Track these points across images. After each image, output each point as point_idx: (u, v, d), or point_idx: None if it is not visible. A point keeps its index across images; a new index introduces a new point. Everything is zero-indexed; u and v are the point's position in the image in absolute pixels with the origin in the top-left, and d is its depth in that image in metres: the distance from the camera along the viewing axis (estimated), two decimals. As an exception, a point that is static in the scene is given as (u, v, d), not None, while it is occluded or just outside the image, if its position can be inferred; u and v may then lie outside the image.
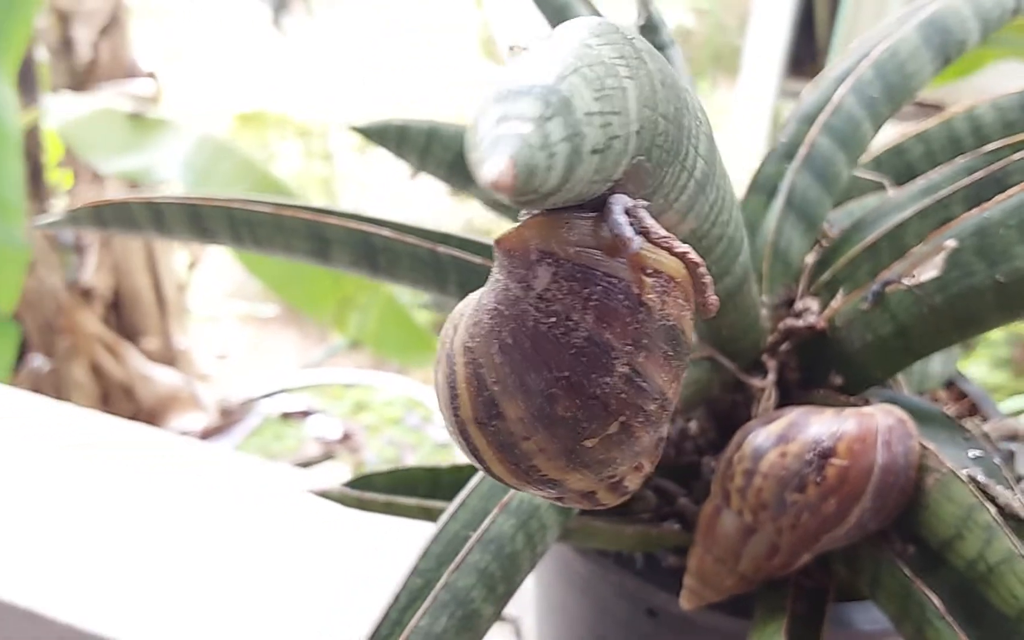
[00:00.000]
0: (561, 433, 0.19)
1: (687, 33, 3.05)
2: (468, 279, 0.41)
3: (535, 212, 0.18)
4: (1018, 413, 0.71)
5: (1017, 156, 0.37)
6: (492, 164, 0.13)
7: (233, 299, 2.63)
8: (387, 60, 2.97)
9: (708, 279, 0.19)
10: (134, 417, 2.06)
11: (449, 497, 0.35)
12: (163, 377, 2.18)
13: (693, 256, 0.18)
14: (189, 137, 1.71)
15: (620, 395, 0.18)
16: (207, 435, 2.10)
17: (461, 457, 0.22)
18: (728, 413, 0.40)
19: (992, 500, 0.32)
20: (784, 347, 0.39)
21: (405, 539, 0.60)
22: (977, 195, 0.36)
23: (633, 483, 0.23)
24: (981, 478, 0.33)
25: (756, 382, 0.39)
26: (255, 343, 2.57)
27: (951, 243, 0.33)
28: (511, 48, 0.16)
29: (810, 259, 0.43)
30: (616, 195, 0.18)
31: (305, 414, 2.19)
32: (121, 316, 2.20)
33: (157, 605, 0.59)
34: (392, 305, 1.58)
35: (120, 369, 2.14)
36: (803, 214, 0.41)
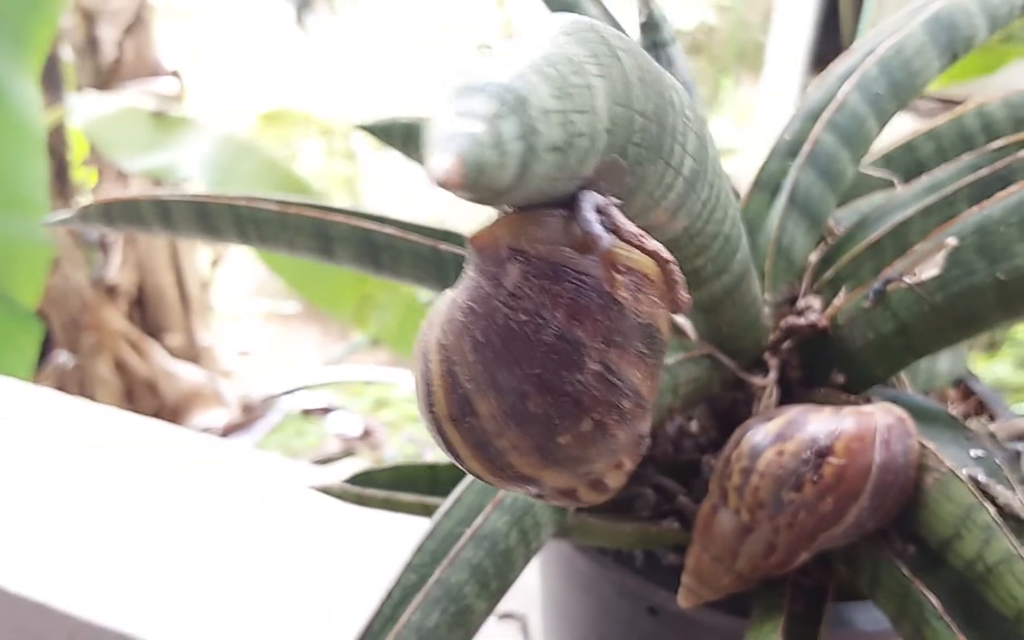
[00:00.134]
0: (534, 430, 0.19)
1: (710, 30, 3.04)
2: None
3: (508, 210, 0.18)
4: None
5: (1023, 153, 0.37)
6: (439, 161, 0.13)
7: (256, 296, 2.65)
8: (410, 59, 2.98)
9: (680, 277, 0.19)
10: (157, 413, 2.08)
11: (448, 494, 0.35)
12: (186, 373, 2.20)
13: (664, 253, 0.18)
14: (212, 136, 1.72)
15: (593, 392, 0.18)
16: (229, 431, 2.11)
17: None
18: (729, 411, 0.40)
19: (992, 500, 0.32)
20: (786, 345, 0.39)
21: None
22: (982, 192, 0.36)
23: (614, 481, 0.23)
24: (982, 478, 0.33)
25: (757, 380, 0.39)
26: (277, 340, 2.58)
27: (952, 241, 0.33)
28: (479, 47, 0.16)
29: (814, 257, 0.42)
30: (586, 192, 0.18)
31: (326, 411, 2.20)
32: (145, 313, 2.22)
33: (176, 601, 0.59)
34: (412, 303, 1.59)
35: (144, 365, 2.16)
36: (806, 211, 0.41)
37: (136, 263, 2.15)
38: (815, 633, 0.35)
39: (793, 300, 0.41)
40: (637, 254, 0.19)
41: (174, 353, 2.22)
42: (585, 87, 0.16)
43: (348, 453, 2.08)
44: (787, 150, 0.42)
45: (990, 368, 1.74)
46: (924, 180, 0.41)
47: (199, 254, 2.30)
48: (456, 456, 0.20)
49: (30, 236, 1.45)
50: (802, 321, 0.38)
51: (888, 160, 0.48)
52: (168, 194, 0.46)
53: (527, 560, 0.33)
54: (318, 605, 0.59)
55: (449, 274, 0.41)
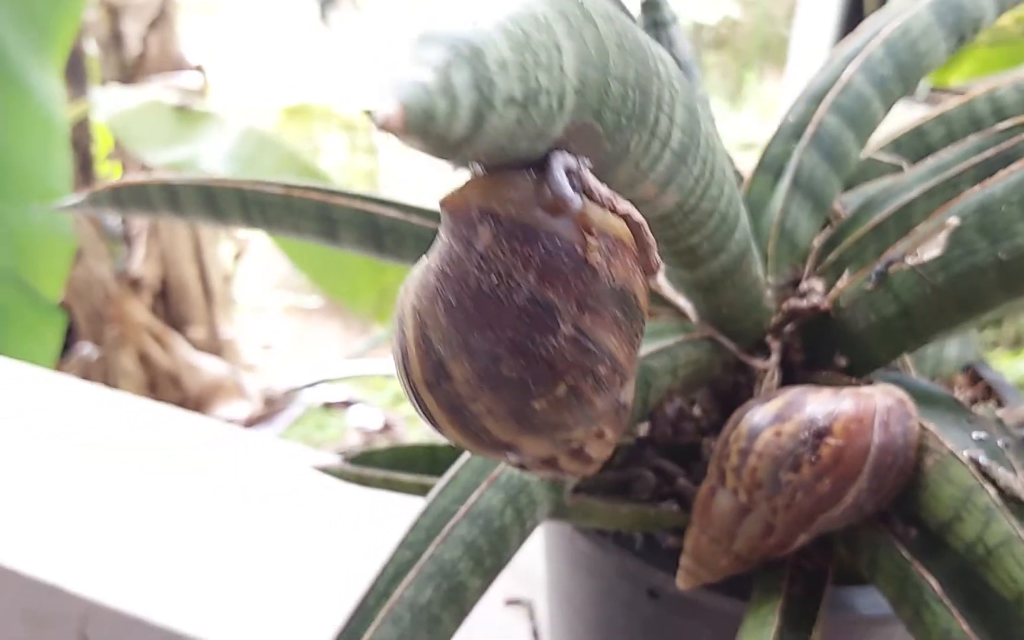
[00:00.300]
0: (507, 394, 0.19)
1: (734, 24, 3.02)
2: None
3: (479, 171, 0.18)
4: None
5: (1029, 133, 0.37)
6: (383, 105, 0.13)
7: (278, 290, 2.67)
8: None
9: (651, 240, 0.19)
10: (180, 405, 2.10)
11: (447, 474, 0.35)
12: (209, 366, 2.21)
13: (636, 215, 0.18)
14: (234, 129, 1.73)
15: (566, 356, 0.18)
16: (251, 423, 2.13)
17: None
18: (731, 394, 0.40)
19: (993, 482, 0.31)
20: (788, 328, 0.39)
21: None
22: (987, 173, 0.35)
23: (597, 452, 0.23)
24: (983, 460, 0.32)
25: (758, 363, 0.38)
26: (299, 334, 2.60)
27: (954, 221, 0.33)
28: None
29: (819, 240, 0.42)
30: (557, 154, 0.18)
31: (347, 404, 2.21)
32: (168, 306, 2.24)
33: (190, 586, 0.60)
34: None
35: (167, 358, 2.18)
36: (810, 194, 0.41)
37: (159, 256, 2.17)
38: (814, 615, 0.34)
39: (796, 283, 0.40)
40: (611, 217, 0.18)
41: (197, 346, 2.24)
42: (551, 45, 0.16)
43: (368, 446, 2.09)
44: (791, 132, 0.42)
45: (1015, 365, 1.72)
46: (930, 162, 0.40)
47: (222, 247, 2.31)
48: (433, 422, 0.20)
49: (53, 228, 1.47)
50: (804, 304, 0.38)
51: (898, 145, 0.48)
52: (175, 178, 0.46)
53: (523, 538, 0.33)
54: (337, 592, 0.59)
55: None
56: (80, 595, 0.58)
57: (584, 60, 0.17)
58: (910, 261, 0.34)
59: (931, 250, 0.34)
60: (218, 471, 0.70)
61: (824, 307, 0.38)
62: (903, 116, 0.49)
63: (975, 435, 0.34)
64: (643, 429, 0.39)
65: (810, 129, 0.40)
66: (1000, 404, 0.45)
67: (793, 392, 0.35)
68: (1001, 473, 0.32)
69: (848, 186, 0.47)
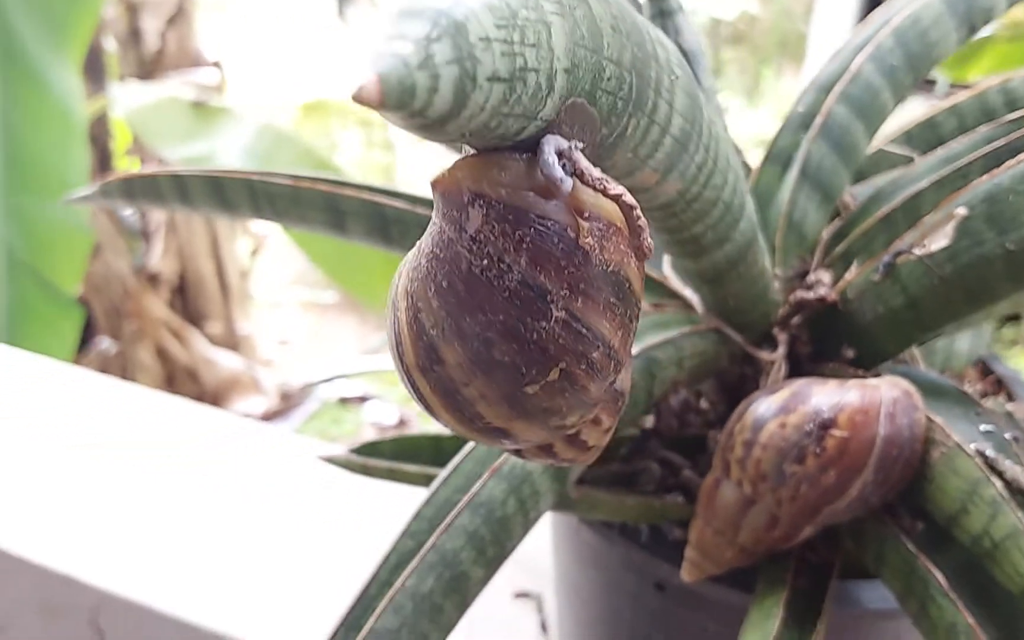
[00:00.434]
0: (500, 378, 0.19)
1: (752, 19, 3.01)
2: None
3: (470, 151, 0.18)
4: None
5: (1039, 124, 0.36)
6: (358, 78, 0.13)
7: (295, 286, 2.68)
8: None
9: (643, 222, 0.18)
10: (197, 400, 2.11)
11: (452, 465, 0.35)
12: (226, 361, 2.22)
13: (628, 198, 0.18)
14: (251, 125, 1.74)
15: (558, 340, 0.18)
16: (267, 418, 2.14)
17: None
18: (737, 386, 0.40)
19: (1000, 475, 0.31)
20: (795, 320, 0.39)
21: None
22: (996, 164, 0.35)
23: (593, 438, 0.22)
24: (989, 452, 0.32)
25: (765, 355, 0.38)
26: (315, 329, 2.61)
27: (961, 211, 0.32)
28: None
29: (827, 231, 0.42)
30: (548, 136, 0.18)
31: (362, 399, 2.22)
32: (186, 301, 2.25)
33: (203, 577, 0.60)
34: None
35: (184, 353, 2.19)
36: (818, 185, 0.40)
37: (177, 251, 2.18)
38: (819, 608, 0.34)
39: (804, 275, 0.40)
40: (603, 200, 0.18)
41: (214, 341, 2.25)
42: (540, 22, 0.16)
43: (383, 441, 2.09)
44: (800, 122, 0.42)
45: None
46: (939, 152, 0.40)
47: (239, 243, 2.32)
48: (427, 407, 0.20)
49: (71, 223, 1.48)
50: (811, 295, 0.38)
51: (910, 137, 0.47)
52: (185, 170, 0.46)
53: (526, 529, 0.33)
54: (348, 583, 0.59)
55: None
56: (93, 585, 0.59)
57: (576, 40, 0.17)
58: (918, 252, 0.34)
59: (939, 241, 0.33)
60: (232, 464, 0.70)
61: (831, 299, 0.37)
62: (921, 110, 0.49)
63: (983, 428, 0.33)
64: (648, 421, 0.39)
65: (819, 119, 0.40)
66: (1011, 398, 0.45)
67: (798, 384, 0.35)
68: (1008, 466, 0.31)
69: (859, 178, 0.47)
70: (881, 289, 0.36)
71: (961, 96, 0.46)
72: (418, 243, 0.19)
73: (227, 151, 1.68)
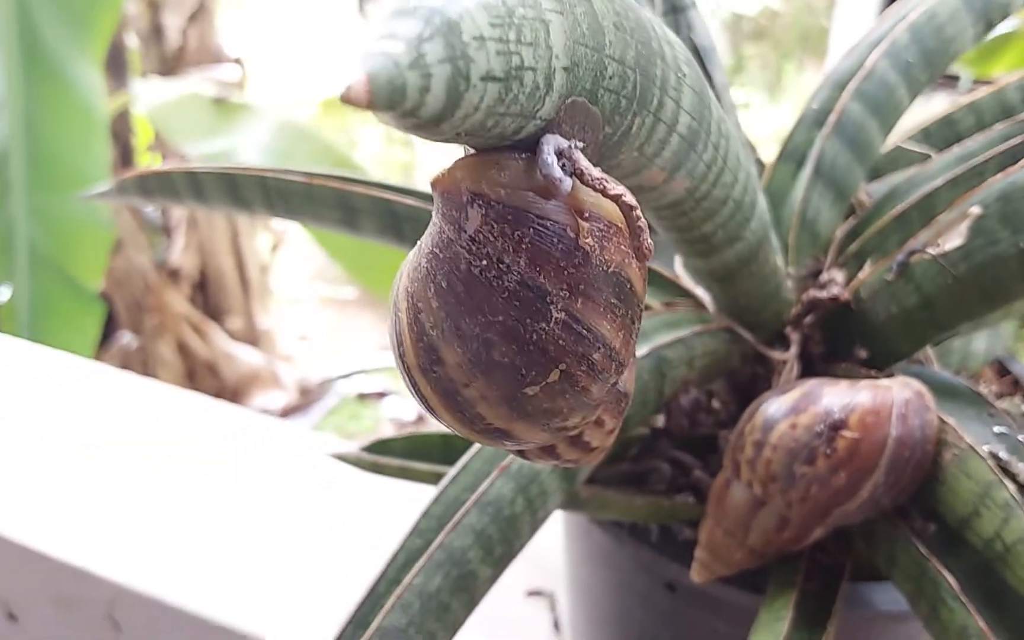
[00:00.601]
0: (500, 379, 0.18)
1: (773, 15, 2.99)
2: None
3: (470, 151, 0.18)
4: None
5: (1057, 121, 0.36)
6: (347, 78, 0.13)
7: (314, 281, 2.69)
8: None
9: (643, 223, 0.18)
10: (218, 394, 2.13)
11: (462, 463, 0.35)
12: (246, 356, 2.24)
13: (628, 198, 0.18)
14: (271, 122, 1.75)
15: (559, 342, 0.18)
16: (287, 413, 2.15)
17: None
18: (749, 386, 0.39)
19: (1012, 477, 0.31)
20: (808, 319, 0.38)
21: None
22: (1012, 162, 0.34)
23: (597, 439, 0.22)
24: (1003, 454, 0.32)
25: (777, 355, 0.38)
26: (334, 325, 2.61)
27: (976, 210, 0.32)
28: None
29: (841, 230, 0.41)
30: (548, 135, 0.17)
31: (381, 395, 2.22)
32: (207, 296, 2.27)
33: (225, 575, 0.60)
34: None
35: (205, 348, 2.20)
36: (832, 183, 0.40)
37: (198, 247, 2.20)
38: (829, 610, 0.34)
39: (817, 274, 0.40)
40: (603, 200, 0.18)
41: (234, 336, 2.26)
42: (537, 21, 0.16)
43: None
44: (814, 120, 0.41)
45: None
46: (955, 150, 0.39)
47: (259, 239, 2.33)
48: (428, 407, 0.20)
49: (93, 219, 1.49)
50: (824, 294, 0.37)
51: (927, 134, 0.47)
52: (200, 167, 0.47)
53: (534, 528, 0.33)
54: (362, 581, 0.59)
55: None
56: (109, 579, 0.59)
57: (576, 38, 0.17)
58: (932, 251, 0.34)
59: (953, 240, 0.33)
60: (248, 461, 0.71)
61: (844, 298, 0.37)
62: (944, 106, 0.48)
63: (996, 429, 0.33)
64: (659, 420, 0.39)
65: (833, 117, 0.40)
66: (1028, 399, 0.44)
67: (810, 384, 0.34)
68: (1021, 468, 0.31)
69: (876, 175, 0.46)
70: (895, 289, 0.35)
71: (980, 93, 0.46)
72: (418, 243, 0.19)
73: (247, 147, 1.69)
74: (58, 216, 1.45)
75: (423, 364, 0.19)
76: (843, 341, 0.38)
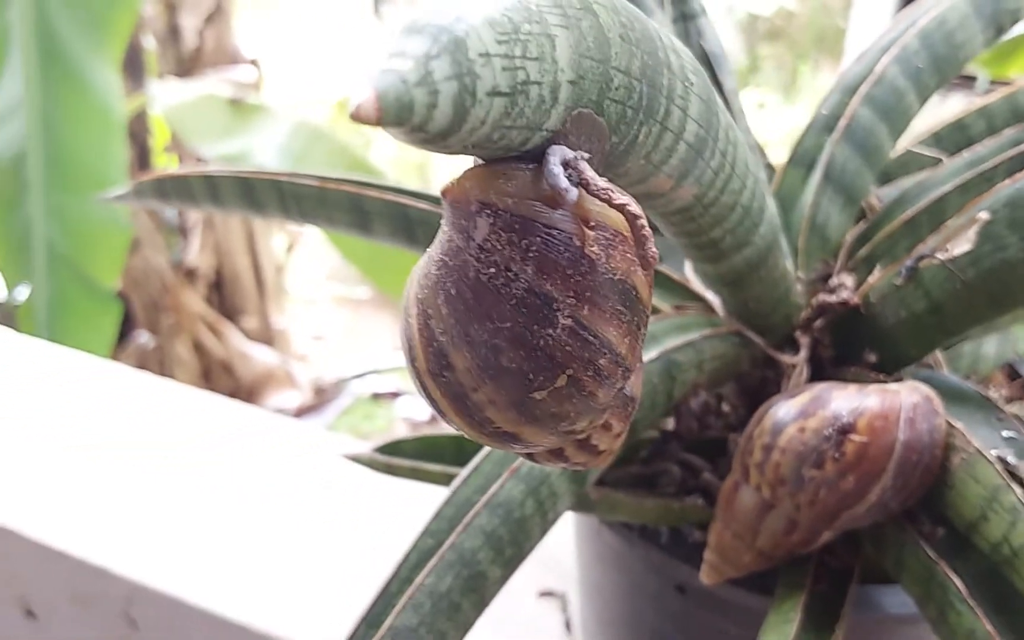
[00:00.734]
0: (508, 384, 0.19)
1: (789, 15, 2.98)
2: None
3: (478, 161, 0.18)
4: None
5: (1067, 127, 0.36)
6: (356, 95, 0.13)
7: (329, 282, 2.70)
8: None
9: (648, 231, 0.19)
10: (233, 393, 2.14)
11: (473, 465, 0.35)
12: (261, 356, 2.25)
13: (634, 208, 0.18)
14: (286, 122, 1.75)
15: (565, 348, 0.19)
16: (301, 413, 2.16)
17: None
18: (759, 390, 0.40)
19: (1020, 482, 0.31)
20: (817, 324, 0.38)
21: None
22: (1021, 168, 0.35)
23: (604, 443, 0.23)
24: (1011, 459, 0.32)
25: (787, 358, 0.38)
26: (349, 325, 2.62)
27: (984, 215, 0.32)
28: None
29: (851, 234, 0.42)
30: (554, 146, 0.18)
31: (395, 395, 2.23)
32: (222, 296, 2.28)
33: (240, 573, 0.61)
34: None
35: (221, 347, 2.22)
36: (841, 188, 0.40)
37: (214, 247, 2.21)
38: (837, 613, 0.34)
39: (827, 278, 0.40)
40: (609, 209, 0.19)
41: (250, 336, 2.27)
42: (543, 36, 0.16)
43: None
44: (824, 125, 0.42)
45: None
46: (965, 155, 0.40)
47: (275, 239, 2.35)
48: (439, 411, 0.21)
49: (110, 219, 1.50)
50: (833, 299, 0.38)
51: (938, 138, 0.47)
52: (216, 170, 0.47)
53: (544, 530, 0.34)
54: (376, 580, 0.60)
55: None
56: (126, 577, 0.60)
57: (581, 51, 0.18)
58: (940, 256, 0.34)
59: (961, 245, 0.33)
60: (262, 461, 0.71)
61: (854, 303, 0.37)
62: (960, 108, 0.48)
63: (1004, 434, 0.33)
64: (669, 423, 0.39)
65: (842, 122, 0.40)
66: (1039, 403, 0.44)
67: (819, 388, 0.34)
68: (1030, 473, 0.31)
69: (887, 179, 0.46)
70: (904, 293, 0.35)
71: (992, 97, 0.46)
72: (428, 250, 0.20)
73: (263, 148, 1.70)
74: (76, 216, 1.46)
75: (433, 369, 0.20)
76: (852, 345, 0.38)
